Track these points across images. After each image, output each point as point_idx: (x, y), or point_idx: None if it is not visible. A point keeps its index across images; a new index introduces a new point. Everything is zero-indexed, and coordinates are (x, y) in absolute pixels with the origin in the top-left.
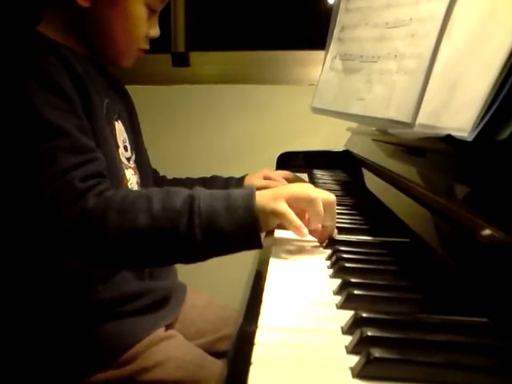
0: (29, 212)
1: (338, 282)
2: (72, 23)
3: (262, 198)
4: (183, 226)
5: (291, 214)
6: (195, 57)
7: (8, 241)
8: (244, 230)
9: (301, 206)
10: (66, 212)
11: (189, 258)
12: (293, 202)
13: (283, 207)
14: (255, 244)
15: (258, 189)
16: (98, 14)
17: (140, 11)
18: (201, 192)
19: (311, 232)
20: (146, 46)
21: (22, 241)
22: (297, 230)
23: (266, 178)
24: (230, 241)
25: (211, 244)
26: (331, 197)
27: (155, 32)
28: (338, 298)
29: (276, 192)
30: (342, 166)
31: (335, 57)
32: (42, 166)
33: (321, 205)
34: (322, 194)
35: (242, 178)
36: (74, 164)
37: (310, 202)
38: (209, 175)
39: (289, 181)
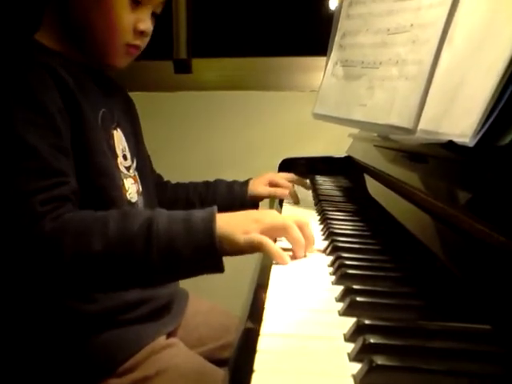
0: None
1: (340, 288)
2: (59, 22)
3: (229, 227)
4: (140, 250)
5: (270, 244)
6: (197, 63)
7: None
8: (203, 254)
9: (277, 236)
10: (23, 234)
11: (146, 282)
12: (268, 233)
13: (258, 238)
14: (216, 268)
15: (264, 197)
16: (76, 5)
17: (120, 1)
18: (160, 214)
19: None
20: (138, 42)
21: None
22: (279, 259)
23: (270, 182)
24: (188, 265)
25: (169, 268)
26: (304, 219)
27: (145, 26)
28: (341, 305)
29: (246, 223)
30: (344, 172)
31: (337, 63)
32: (9, 185)
33: (298, 230)
34: (295, 219)
35: (246, 182)
36: (38, 187)
37: (286, 229)
38: (212, 180)
39: (294, 183)
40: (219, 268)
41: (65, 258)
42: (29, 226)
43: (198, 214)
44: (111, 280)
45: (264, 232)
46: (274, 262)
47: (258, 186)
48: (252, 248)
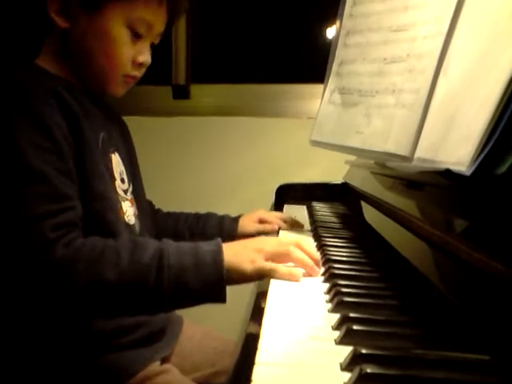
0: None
1: (336, 316)
2: (60, 50)
3: (236, 258)
4: (151, 281)
5: (280, 269)
6: (195, 89)
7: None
8: (210, 287)
9: (282, 262)
10: (34, 260)
11: (152, 311)
12: (274, 259)
13: (268, 265)
14: (219, 299)
15: (253, 235)
16: (77, 36)
17: (119, 32)
18: (169, 246)
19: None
20: (135, 73)
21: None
22: (292, 277)
23: (260, 220)
24: (195, 296)
25: (177, 298)
26: (300, 239)
27: (144, 58)
28: (337, 333)
29: (250, 253)
30: (341, 199)
31: (334, 91)
32: (17, 210)
33: (300, 251)
34: (293, 241)
35: (237, 218)
36: (48, 212)
37: (289, 254)
38: (208, 206)
39: (286, 223)
40: (223, 299)
41: (77, 286)
42: (40, 251)
43: (206, 247)
44: (120, 308)
45: (269, 259)
46: (270, 288)
47: (247, 224)
48: (260, 276)
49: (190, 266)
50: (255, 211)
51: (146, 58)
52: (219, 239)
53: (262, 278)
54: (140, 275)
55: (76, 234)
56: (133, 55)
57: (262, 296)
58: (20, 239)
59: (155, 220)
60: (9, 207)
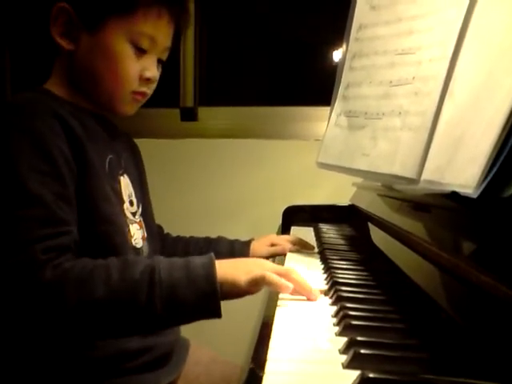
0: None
1: (344, 340)
2: (67, 72)
3: (230, 270)
4: (143, 297)
5: (272, 275)
6: (203, 112)
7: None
8: (204, 300)
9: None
10: (23, 282)
11: (148, 328)
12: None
13: (259, 272)
14: (215, 313)
15: (264, 258)
16: (81, 56)
17: (122, 48)
18: (160, 261)
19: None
20: (144, 89)
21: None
22: (283, 288)
23: (271, 244)
24: (189, 311)
25: (171, 314)
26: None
27: (151, 73)
28: (344, 357)
29: (248, 266)
30: (348, 221)
31: (340, 113)
32: (11, 233)
33: (299, 274)
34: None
35: (248, 242)
36: (41, 236)
37: (288, 275)
38: (216, 228)
39: (295, 245)
40: (218, 312)
41: (67, 306)
42: (30, 273)
43: (197, 260)
44: (114, 327)
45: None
46: (276, 311)
47: (260, 247)
48: (255, 286)
49: (182, 280)
50: (266, 236)
51: (152, 73)
52: (212, 253)
53: (256, 289)
54: (131, 291)
55: (67, 258)
56: (139, 71)
57: (268, 319)
58: (11, 261)
59: (164, 244)
60: (3, 229)
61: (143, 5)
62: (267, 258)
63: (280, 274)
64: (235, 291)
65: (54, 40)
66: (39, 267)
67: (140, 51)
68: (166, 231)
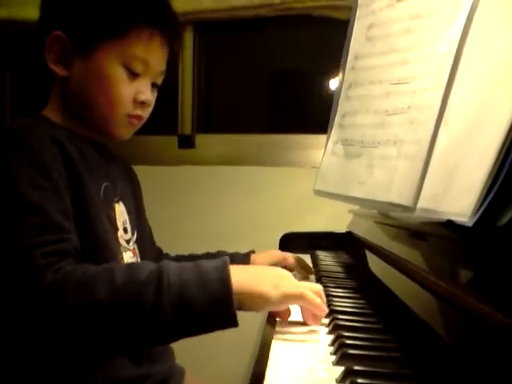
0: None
1: (341, 369)
2: (62, 98)
3: (252, 279)
4: (149, 301)
5: (311, 295)
6: (200, 139)
7: None
8: (217, 306)
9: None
10: (23, 287)
11: (156, 337)
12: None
13: (297, 290)
14: (230, 322)
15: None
16: (75, 81)
17: (115, 71)
18: (169, 264)
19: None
20: (139, 112)
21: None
22: (319, 309)
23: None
24: (201, 317)
25: (181, 319)
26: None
27: (145, 96)
28: None
29: (274, 279)
30: (345, 248)
31: (337, 142)
32: (11, 241)
33: (315, 296)
34: (311, 287)
35: (248, 254)
36: (41, 242)
37: (305, 296)
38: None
39: (298, 263)
40: (233, 320)
41: (67, 310)
42: (29, 277)
43: (209, 263)
44: (118, 332)
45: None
46: (273, 340)
47: (260, 260)
48: (287, 302)
49: (193, 283)
50: (269, 250)
51: (146, 96)
52: (226, 257)
53: (286, 304)
54: (136, 294)
55: (69, 262)
56: (133, 94)
57: (264, 348)
58: (11, 267)
59: None
60: (4, 238)
61: (135, 28)
62: None
63: (314, 293)
64: (262, 305)
65: (48, 67)
66: (39, 271)
67: (133, 74)
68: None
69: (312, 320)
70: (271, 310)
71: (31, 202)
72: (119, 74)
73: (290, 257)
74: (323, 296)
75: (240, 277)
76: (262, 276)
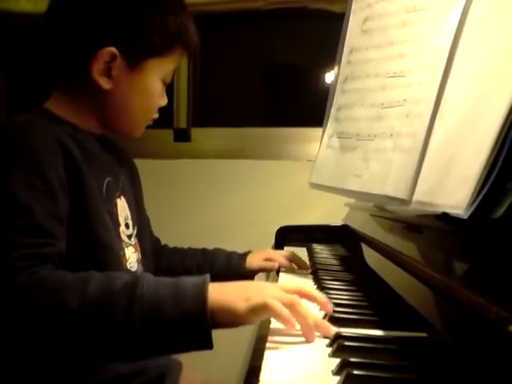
0: None
1: (336, 361)
2: (85, 101)
3: (227, 296)
4: (120, 313)
5: (276, 305)
6: (196, 132)
7: None
8: (191, 324)
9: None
10: None
11: (126, 351)
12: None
13: (261, 300)
14: (204, 342)
15: (254, 271)
16: (117, 93)
17: (156, 86)
18: (146, 277)
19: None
20: (157, 116)
21: None
22: (287, 323)
23: (266, 258)
24: (174, 335)
25: (152, 335)
26: (304, 287)
27: (165, 101)
28: (337, 379)
29: (246, 291)
30: (341, 241)
31: (332, 135)
32: None
33: (304, 306)
34: (295, 288)
35: (245, 255)
36: (22, 244)
37: (294, 306)
38: (210, 247)
39: (292, 261)
40: (207, 342)
41: (36, 314)
42: (4, 278)
43: (189, 279)
44: (85, 345)
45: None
46: (269, 333)
47: (254, 260)
48: (255, 315)
49: (168, 299)
50: (263, 250)
51: (166, 101)
52: (207, 275)
53: (256, 319)
54: (107, 305)
55: (47, 267)
56: (159, 102)
57: (260, 342)
58: None
59: (161, 257)
60: None
61: (178, 46)
62: (257, 271)
63: (284, 304)
64: (231, 319)
65: (92, 78)
66: (14, 272)
67: (164, 85)
68: (163, 243)
69: (305, 333)
70: (242, 324)
71: (20, 203)
72: (159, 88)
73: (281, 256)
74: (301, 310)
75: (218, 295)
76: (238, 291)
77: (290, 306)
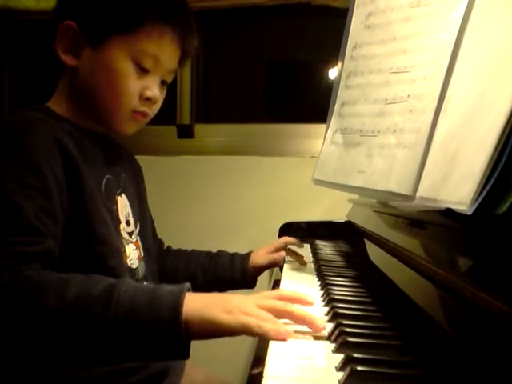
0: None
1: (340, 357)
2: (69, 89)
3: (206, 308)
4: (95, 316)
5: (263, 325)
6: (200, 129)
7: None
8: (164, 332)
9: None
10: None
11: (100, 354)
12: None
13: (245, 320)
14: (179, 352)
15: (263, 267)
16: (84, 72)
17: (124, 65)
18: (127, 282)
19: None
20: (144, 108)
21: None
22: (278, 335)
23: (268, 252)
24: (147, 342)
25: (125, 342)
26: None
27: (152, 93)
28: (341, 374)
29: (227, 304)
30: (345, 237)
31: (336, 131)
32: None
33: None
34: (280, 294)
35: (248, 255)
36: (8, 242)
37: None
38: (213, 245)
39: (293, 244)
40: (183, 351)
41: (14, 312)
42: None
43: (168, 287)
44: (61, 345)
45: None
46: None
47: (258, 258)
48: (235, 330)
49: (144, 305)
50: (263, 246)
51: (154, 93)
52: (186, 284)
53: (236, 333)
54: (84, 308)
55: (32, 267)
56: (140, 89)
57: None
58: None
59: (165, 260)
60: None
61: (147, 23)
62: (266, 266)
63: (266, 310)
64: (213, 330)
65: (58, 56)
66: None
67: (143, 70)
68: (166, 245)
69: (308, 325)
70: (225, 335)
71: (11, 200)
72: (128, 68)
73: (282, 242)
74: (291, 310)
75: (196, 304)
76: (218, 302)
77: (273, 311)
